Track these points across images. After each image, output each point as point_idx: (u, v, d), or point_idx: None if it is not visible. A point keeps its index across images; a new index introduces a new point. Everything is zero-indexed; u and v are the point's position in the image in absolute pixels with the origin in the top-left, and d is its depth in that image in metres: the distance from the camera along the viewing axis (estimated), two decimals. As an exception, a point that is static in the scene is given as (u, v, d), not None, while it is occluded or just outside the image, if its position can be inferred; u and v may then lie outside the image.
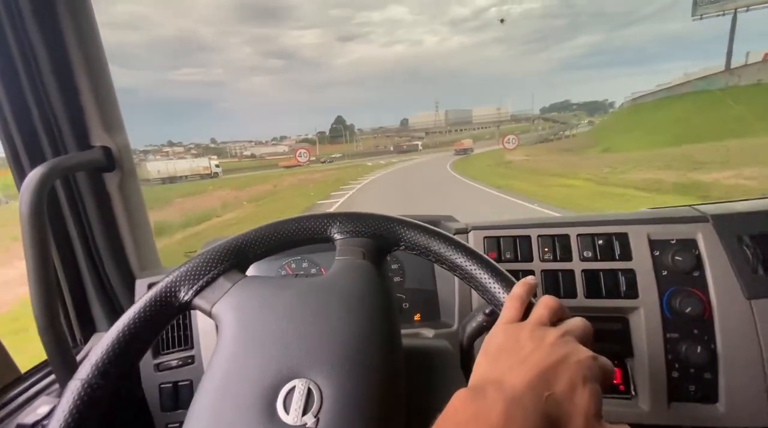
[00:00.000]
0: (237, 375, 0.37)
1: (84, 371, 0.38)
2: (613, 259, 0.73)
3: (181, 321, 0.79)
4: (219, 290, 0.42)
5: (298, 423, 0.34)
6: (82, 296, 0.84)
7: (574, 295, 0.73)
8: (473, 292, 0.78)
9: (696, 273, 0.70)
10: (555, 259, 0.75)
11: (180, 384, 0.77)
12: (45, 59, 0.70)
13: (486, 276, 0.43)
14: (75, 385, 0.37)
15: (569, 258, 0.75)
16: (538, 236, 0.77)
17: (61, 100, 0.73)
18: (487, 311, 0.68)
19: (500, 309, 0.41)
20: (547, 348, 0.34)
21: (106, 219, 0.82)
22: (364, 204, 9.31)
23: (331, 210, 0.52)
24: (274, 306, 0.41)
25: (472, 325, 0.70)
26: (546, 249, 0.76)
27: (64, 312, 0.82)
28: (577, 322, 0.37)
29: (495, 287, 0.43)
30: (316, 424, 0.34)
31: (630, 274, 0.72)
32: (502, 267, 0.45)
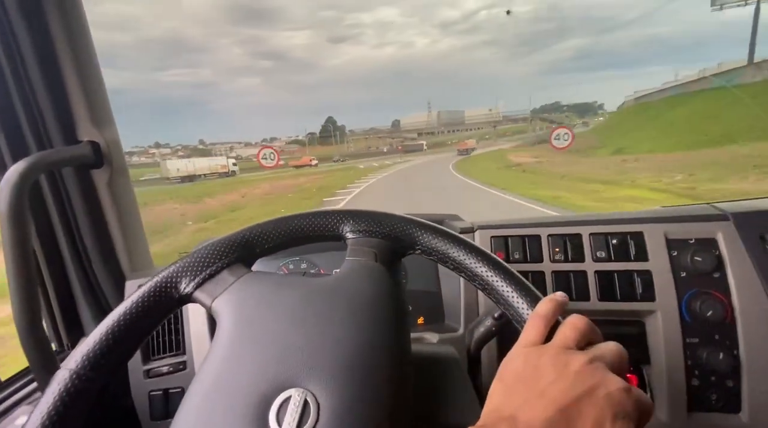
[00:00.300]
0: (230, 379, 0.34)
1: (73, 361, 0.35)
2: (628, 260, 0.69)
3: (172, 326, 0.76)
4: (221, 284, 0.39)
5: None
6: (69, 298, 0.80)
7: (586, 298, 0.70)
8: (480, 295, 0.74)
9: (716, 275, 0.66)
10: (566, 260, 0.72)
11: (171, 391, 0.73)
12: (29, 49, 0.66)
13: (509, 289, 0.39)
14: (62, 375, 0.34)
15: (581, 259, 0.71)
16: (549, 235, 0.73)
17: (46, 92, 0.69)
18: (496, 315, 0.64)
19: (522, 327, 0.37)
20: (571, 378, 0.29)
21: (95, 217, 0.78)
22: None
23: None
24: (277, 305, 0.38)
25: (480, 330, 0.66)
26: (557, 250, 0.72)
27: (50, 315, 0.78)
28: (609, 347, 0.33)
29: (518, 302, 0.38)
30: None
31: (646, 276, 0.68)
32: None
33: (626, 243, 0.70)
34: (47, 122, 0.70)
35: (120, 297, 0.81)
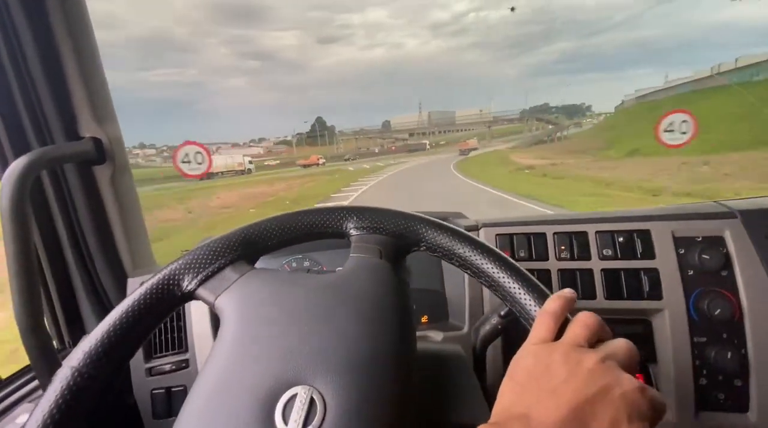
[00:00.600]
0: (234, 376, 0.33)
1: (75, 358, 0.34)
2: (634, 258, 0.69)
3: (175, 323, 0.75)
4: (224, 281, 0.39)
5: None
6: (70, 296, 0.79)
7: (593, 296, 0.69)
8: (485, 293, 0.74)
9: (724, 273, 0.65)
10: (572, 258, 0.71)
11: (173, 389, 0.73)
12: (32, 45, 0.66)
13: (516, 285, 0.38)
14: (65, 372, 0.34)
15: (587, 257, 0.70)
16: (554, 233, 0.72)
17: (48, 88, 0.68)
18: (502, 313, 0.63)
19: (530, 325, 0.36)
20: (584, 376, 0.29)
21: (97, 214, 0.77)
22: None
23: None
24: (281, 303, 0.37)
25: (486, 328, 0.66)
26: (563, 247, 0.72)
27: (51, 312, 0.78)
28: (620, 344, 0.32)
29: (526, 299, 0.38)
30: None
31: (653, 274, 0.67)
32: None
33: (633, 241, 0.69)
34: (49, 118, 0.69)
35: (122, 294, 0.80)
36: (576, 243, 0.71)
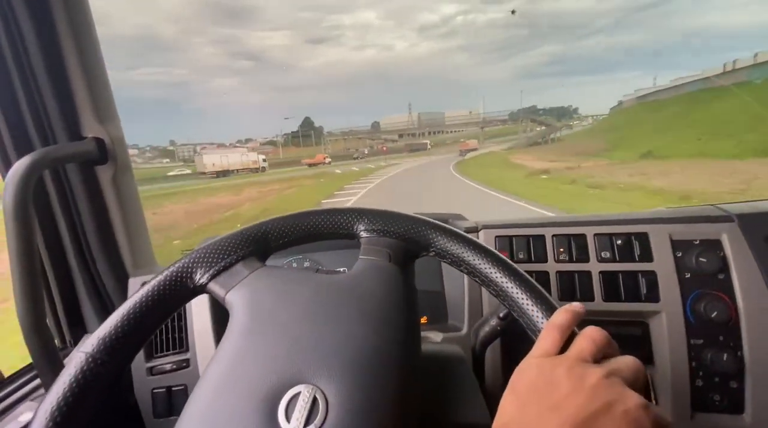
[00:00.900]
0: (241, 371, 0.34)
1: (90, 344, 0.36)
2: (632, 260, 0.69)
3: (176, 323, 0.75)
4: (235, 276, 0.40)
5: None
6: (71, 295, 0.80)
7: (591, 298, 0.70)
8: (484, 294, 0.74)
9: (721, 276, 0.66)
10: (571, 260, 0.71)
11: (174, 389, 0.73)
12: (34, 45, 0.66)
13: (524, 296, 0.38)
14: (79, 357, 0.35)
15: (586, 259, 0.71)
16: (553, 235, 0.73)
17: (51, 88, 0.69)
18: (501, 314, 0.64)
19: (536, 336, 0.36)
20: (588, 392, 0.28)
21: (98, 214, 0.78)
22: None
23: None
24: (289, 300, 0.38)
25: (485, 330, 0.66)
26: (561, 250, 0.72)
27: (52, 311, 0.78)
28: (626, 361, 0.31)
29: (533, 310, 0.38)
30: None
31: (651, 276, 0.68)
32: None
33: (631, 244, 0.70)
34: (51, 118, 0.70)
35: (123, 294, 0.80)
36: (574, 246, 0.72)
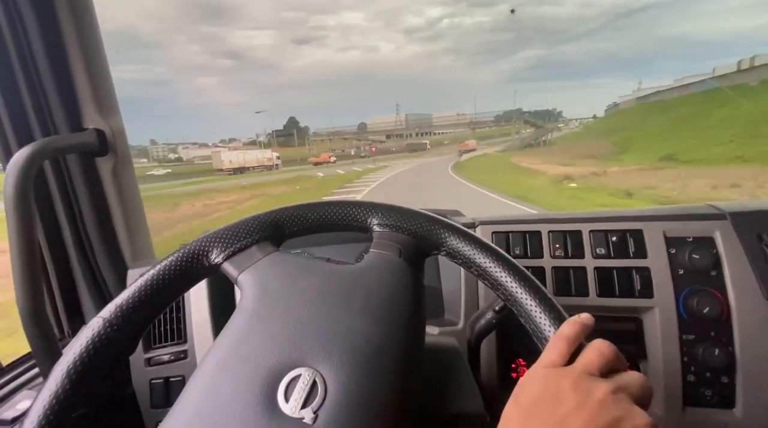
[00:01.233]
0: (245, 350, 0.35)
1: (107, 311, 0.37)
2: (627, 257, 0.70)
3: (174, 314, 0.76)
4: (250, 258, 0.41)
5: (296, 415, 0.31)
6: (70, 286, 0.80)
7: (585, 294, 0.70)
8: (480, 289, 0.75)
9: (714, 273, 0.67)
10: (566, 256, 0.72)
11: (172, 380, 0.73)
12: (36, 36, 0.66)
13: (533, 304, 0.38)
14: (96, 322, 0.36)
15: (581, 255, 0.72)
16: (549, 232, 0.74)
17: (52, 79, 0.69)
18: (496, 308, 0.65)
19: (543, 345, 0.35)
20: (594, 407, 0.27)
21: (98, 205, 0.78)
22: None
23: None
24: (298, 286, 0.39)
25: (481, 323, 0.67)
26: (557, 246, 0.73)
27: (51, 302, 0.78)
28: (633, 377, 0.30)
29: (542, 318, 0.37)
30: (314, 421, 0.31)
31: (645, 272, 0.69)
32: None
33: (625, 241, 0.71)
34: (53, 109, 0.70)
35: (121, 286, 0.81)
36: (570, 242, 0.72)
